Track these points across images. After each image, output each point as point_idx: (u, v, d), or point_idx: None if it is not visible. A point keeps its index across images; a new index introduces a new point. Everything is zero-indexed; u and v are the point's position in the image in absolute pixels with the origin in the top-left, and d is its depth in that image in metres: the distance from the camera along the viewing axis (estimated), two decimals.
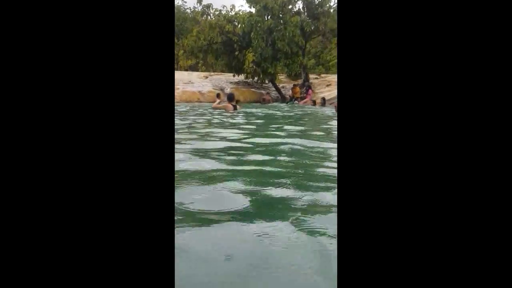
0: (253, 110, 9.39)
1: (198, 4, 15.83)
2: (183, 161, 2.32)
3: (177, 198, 1.43)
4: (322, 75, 18.17)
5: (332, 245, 1.08)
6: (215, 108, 8.57)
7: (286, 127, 5.16)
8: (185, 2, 29.65)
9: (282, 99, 15.07)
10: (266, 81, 15.49)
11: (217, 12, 15.32)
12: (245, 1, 14.56)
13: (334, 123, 5.78)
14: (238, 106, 8.30)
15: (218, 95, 12.89)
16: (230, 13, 15.18)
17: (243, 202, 1.52)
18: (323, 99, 13.30)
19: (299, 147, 3.00)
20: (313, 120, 6.75)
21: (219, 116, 6.69)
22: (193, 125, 5.19)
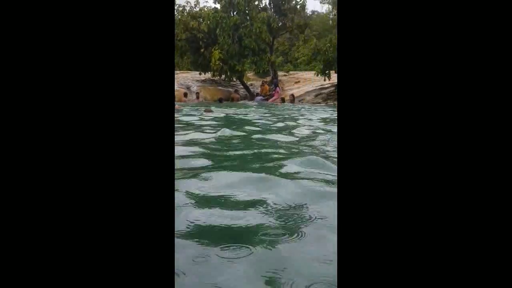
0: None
1: None
2: None
3: None
4: (291, 72, 18.09)
5: None
6: None
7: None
8: None
9: (251, 97, 14.78)
10: (234, 79, 15.10)
11: (180, 8, 14.78)
12: None
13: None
14: (177, 106, 7.69)
15: (185, 94, 12.46)
16: (195, 9, 14.73)
17: None
18: (292, 95, 13.18)
19: None
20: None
21: None
22: None
